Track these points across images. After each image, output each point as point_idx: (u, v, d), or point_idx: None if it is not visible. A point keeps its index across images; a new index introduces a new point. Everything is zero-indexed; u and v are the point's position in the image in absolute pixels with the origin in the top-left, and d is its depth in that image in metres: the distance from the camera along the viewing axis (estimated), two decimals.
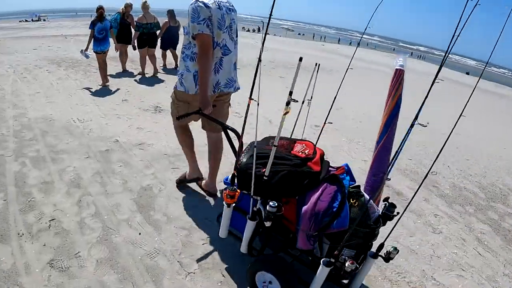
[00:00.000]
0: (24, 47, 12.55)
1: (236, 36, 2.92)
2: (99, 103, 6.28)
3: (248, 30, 45.60)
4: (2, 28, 24.10)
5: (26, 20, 46.57)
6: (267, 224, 1.94)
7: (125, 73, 9.11)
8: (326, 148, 5.06)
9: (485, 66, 2.14)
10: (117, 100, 6.50)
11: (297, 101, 1.84)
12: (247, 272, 2.27)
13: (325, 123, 2.84)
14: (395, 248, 1.91)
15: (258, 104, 1.98)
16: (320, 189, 1.96)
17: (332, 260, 1.81)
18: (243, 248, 2.28)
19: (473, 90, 2.01)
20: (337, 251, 1.80)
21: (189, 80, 2.79)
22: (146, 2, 8.40)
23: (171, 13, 9.37)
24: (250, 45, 18.71)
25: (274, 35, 38.17)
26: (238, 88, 3.11)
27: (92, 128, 4.96)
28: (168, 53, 10.21)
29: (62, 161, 3.95)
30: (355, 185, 2.14)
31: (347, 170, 2.23)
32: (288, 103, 1.79)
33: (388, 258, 1.94)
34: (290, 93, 1.78)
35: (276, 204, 1.89)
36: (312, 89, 2.54)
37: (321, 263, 1.83)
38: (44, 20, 44.51)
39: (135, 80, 8.50)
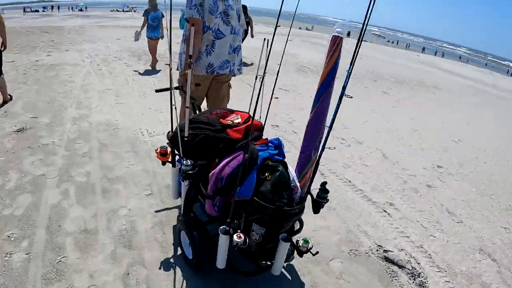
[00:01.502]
0: (109, 36, 12.66)
1: (238, 21, 3.15)
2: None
3: None
4: (92, 16, 25.78)
5: (117, 10, 50.54)
6: (185, 183, 2.23)
7: None
8: (455, 203, 3.83)
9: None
10: None
11: (192, 62, 2.18)
12: (177, 229, 2.47)
13: (271, 98, 2.59)
14: (306, 241, 1.96)
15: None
16: (233, 156, 2.01)
17: (227, 228, 1.84)
18: (182, 210, 2.37)
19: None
20: (229, 219, 1.84)
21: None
22: None
23: (244, 9, 9.41)
24: (344, 50, 17.27)
25: (365, 41, 36.27)
26: (237, 71, 3.35)
27: None
28: None
29: (116, 196, 3.01)
30: (278, 159, 2.08)
31: (276, 145, 2.24)
32: (189, 66, 2.18)
33: (299, 250, 1.99)
34: (190, 57, 2.16)
35: (190, 163, 2.12)
36: (265, 65, 2.14)
37: (219, 230, 1.85)
38: (135, 11, 47.68)
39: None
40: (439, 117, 7.59)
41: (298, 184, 2.00)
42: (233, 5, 3.05)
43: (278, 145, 2.24)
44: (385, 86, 9.92)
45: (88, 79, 6.53)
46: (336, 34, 1.85)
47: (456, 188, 4.20)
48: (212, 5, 2.88)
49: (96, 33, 13.54)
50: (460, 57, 47.47)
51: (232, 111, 2.50)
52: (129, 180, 3.26)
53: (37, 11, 50.40)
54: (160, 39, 8.36)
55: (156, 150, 2.38)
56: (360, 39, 1.66)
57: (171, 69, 2.28)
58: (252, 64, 9.57)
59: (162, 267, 2.33)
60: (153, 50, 8.36)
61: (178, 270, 2.33)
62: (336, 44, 1.85)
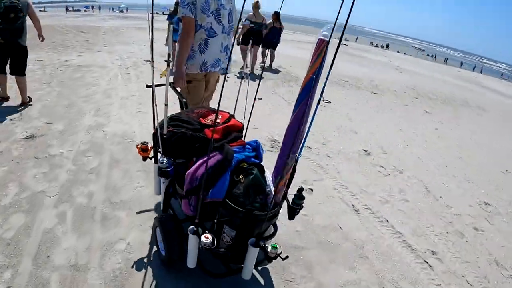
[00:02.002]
0: (144, 39, 12.68)
1: (230, 22, 3.21)
2: None
3: (377, 46, 44.11)
4: (132, 17, 26.32)
5: (157, 13, 51.69)
6: (162, 180, 2.25)
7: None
8: (504, 252, 3.34)
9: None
10: None
11: (170, 61, 2.21)
12: (152, 226, 2.43)
13: (254, 99, 2.58)
14: (274, 246, 1.87)
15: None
16: (208, 156, 1.91)
17: (195, 228, 1.81)
18: (162, 206, 2.37)
19: None
20: (197, 219, 1.82)
21: None
22: (258, 2, 8.83)
23: (276, 15, 9.53)
24: (382, 63, 16.61)
25: (404, 53, 35.25)
26: (224, 69, 3.33)
27: None
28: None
29: (116, 225, 2.68)
30: (255, 162, 2.07)
31: (254, 147, 2.21)
32: (168, 64, 2.18)
33: (268, 256, 1.90)
34: (168, 55, 2.21)
35: (166, 161, 2.13)
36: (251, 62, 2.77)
37: (188, 230, 1.82)
38: None
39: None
40: (485, 142, 6.93)
41: (273, 189, 1.97)
42: (225, 4, 3.09)
43: (256, 147, 2.23)
44: (427, 105, 9.31)
45: (113, 83, 6.38)
46: (321, 37, 1.75)
47: (506, 232, 3.67)
48: (204, 4, 2.93)
49: (132, 35, 13.63)
50: (502, 75, 45.06)
51: (214, 110, 2.49)
52: (134, 206, 2.93)
53: (79, 10, 52.32)
54: None
55: (137, 145, 2.41)
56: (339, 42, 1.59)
57: (152, 66, 2.29)
58: (280, 71, 9.32)
59: None
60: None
61: None
62: (320, 48, 1.75)
